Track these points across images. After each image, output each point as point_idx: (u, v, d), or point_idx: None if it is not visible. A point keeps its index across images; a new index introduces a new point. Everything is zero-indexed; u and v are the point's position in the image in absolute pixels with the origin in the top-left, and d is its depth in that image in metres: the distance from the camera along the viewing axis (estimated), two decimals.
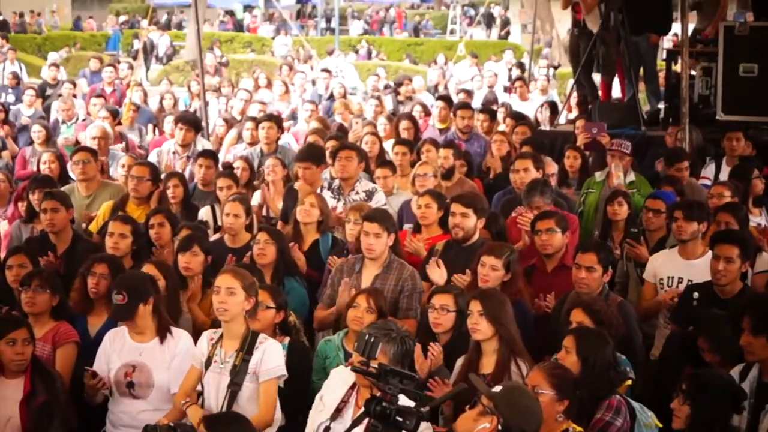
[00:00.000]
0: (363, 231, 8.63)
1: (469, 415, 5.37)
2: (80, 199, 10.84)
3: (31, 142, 14.59)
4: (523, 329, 7.55)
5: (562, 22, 30.78)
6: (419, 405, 5.26)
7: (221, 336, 7.16)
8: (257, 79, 22.05)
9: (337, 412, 6.54)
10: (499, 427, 5.18)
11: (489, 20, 55.59)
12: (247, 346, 7.03)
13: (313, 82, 22.95)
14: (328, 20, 56.19)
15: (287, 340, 7.80)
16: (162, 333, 7.46)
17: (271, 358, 7.05)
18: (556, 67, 30.33)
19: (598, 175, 11.74)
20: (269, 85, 21.19)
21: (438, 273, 8.64)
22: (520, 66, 26.86)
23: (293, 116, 17.99)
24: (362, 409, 5.37)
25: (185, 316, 8.25)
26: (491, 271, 8.17)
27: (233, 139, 14.92)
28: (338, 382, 6.73)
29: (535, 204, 9.83)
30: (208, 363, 7.11)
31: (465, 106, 15.50)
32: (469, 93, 20.48)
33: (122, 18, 54.88)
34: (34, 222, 10.30)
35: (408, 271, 8.60)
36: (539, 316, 8.48)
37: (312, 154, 11.49)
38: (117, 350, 7.46)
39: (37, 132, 14.38)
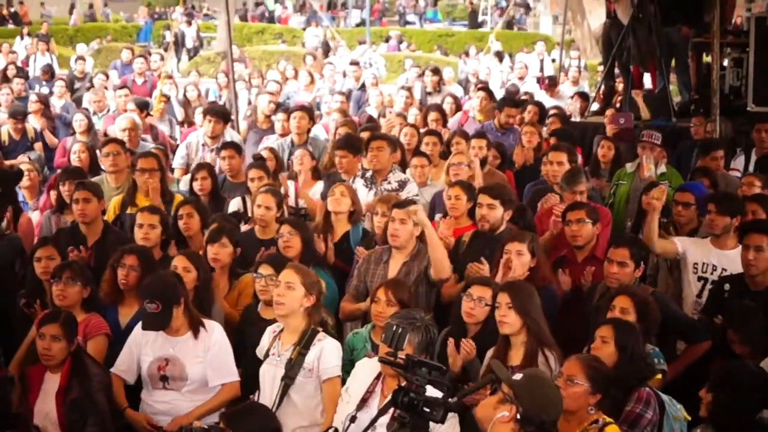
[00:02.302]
0: (390, 218, 8.63)
1: (489, 402, 5.36)
2: (110, 190, 10.82)
3: (72, 132, 14.64)
4: (551, 315, 7.54)
5: (593, 13, 30.66)
6: (447, 396, 5.26)
7: (282, 330, 7.21)
8: (284, 71, 22.06)
9: (363, 402, 6.57)
10: (518, 416, 5.18)
11: (525, 10, 55.49)
12: (305, 342, 7.06)
13: (344, 74, 22.94)
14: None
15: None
16: (195, 328, 7.45)
17: (330, 356, 7.08)
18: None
19: (629, 167, 11.68)
20: (297, 76, 21.21)
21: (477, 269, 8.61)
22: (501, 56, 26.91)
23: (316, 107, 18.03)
24: (388, 399, 5.36)
25: (217, 305, 8.25)
26: (518, 256, 8.17)
27: (244, 132, 14.99)
28: (363, 373, 6.77)
29: (579, 189, 9.84)
30: (266, 355, 7.17)
31: (511, 103, 15.47)
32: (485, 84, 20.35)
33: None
34: (64, 213, 10.34)
35: None
36: (569, 299, 8.51)
37: (349, 143, 11.46)
38: (150, 342, 7.46)
39: (78, 121, 14.44)
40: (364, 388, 6.64)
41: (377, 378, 6.64)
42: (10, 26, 44.24)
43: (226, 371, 7.45)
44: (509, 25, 50.51)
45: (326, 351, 7.07)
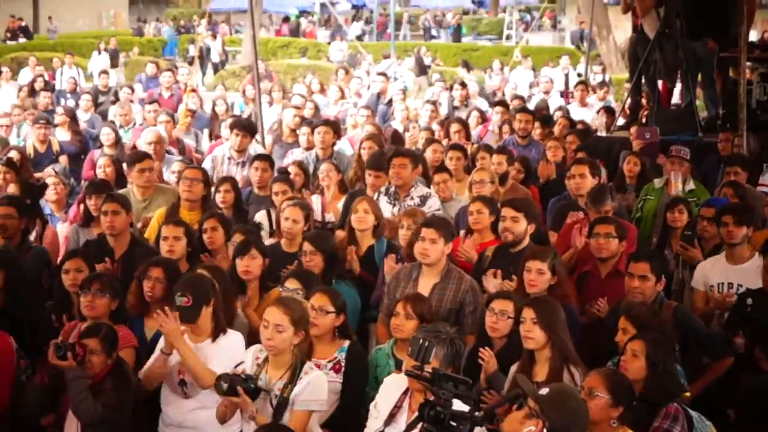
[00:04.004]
0: (420, 236, 8.59)
1: (516, 417, 5.36)
2: (136, 203, 10.84)
3: (99, 146, 14.68)
4: (571, 333, 7.50)
5: (618, 28, 30.66)
6: (473, 410, 5.26)
7: (266, 359, 7.03)
8: (310, 85, 22.07)
9: (391, 417, 6.52)
10: (545, 431, 5.17)
11: (553, 23, 55.38)
12: (295, 378, 6.91)
13: (368, 87, 22.95)
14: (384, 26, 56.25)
15: (347, 343, 7.74)
16: (216, 334, 7.44)
17: (314, 390, 6.89)
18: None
19: (657, 182, 11.68)
20: (322, 90, 21.22)
21: (493, 283, 8.60)
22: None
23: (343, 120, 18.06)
24: (416, 414, 5.35)
25: (240, 319, 8.18)
26: (538, 275, 8.15)
27: (269, 146, 15.03)
28: (392, 388, 6.71)
29: (605, 209, 9.82)
30: None
31: (523, 110, 15.50)
32: (523, 99, 20.41)
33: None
34: (90, 226, 10.37)
35: (467, 283, 8.50)
36: (590, 322, 8.48)
37: (381, 163, 11.29)
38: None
39: (106, 135, 14.47)
40: (392, 403, 6.60)
41: (405, 393, 6.59)
42: (22, 40, 44.64)
43: None
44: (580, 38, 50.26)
45: (312, 385, 6.88)
